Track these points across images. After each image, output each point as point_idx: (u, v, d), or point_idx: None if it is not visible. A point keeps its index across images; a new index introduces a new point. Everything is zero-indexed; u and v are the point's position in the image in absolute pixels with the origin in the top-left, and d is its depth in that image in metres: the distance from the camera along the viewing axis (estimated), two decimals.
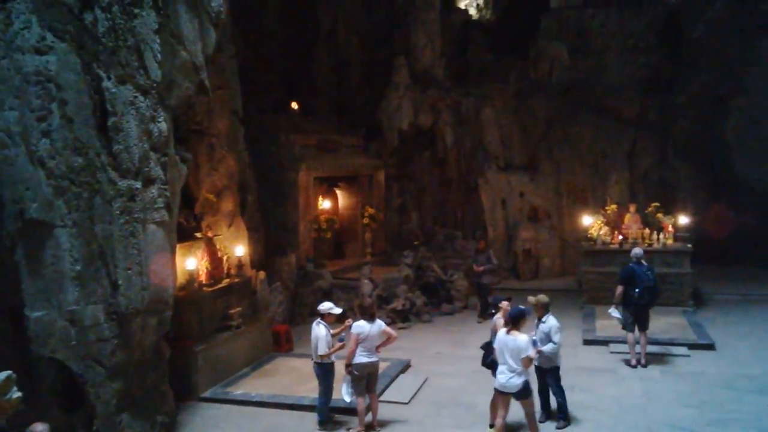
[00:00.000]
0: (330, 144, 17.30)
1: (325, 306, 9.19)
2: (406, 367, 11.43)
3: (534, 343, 8.43)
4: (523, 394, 8.02)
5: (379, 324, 8.99)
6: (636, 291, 11.02)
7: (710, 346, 12.01)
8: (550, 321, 8.95)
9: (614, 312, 11.17)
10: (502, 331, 8.16)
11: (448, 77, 20.34)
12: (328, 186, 17.91)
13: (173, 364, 9.30)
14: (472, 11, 22.84)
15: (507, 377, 7.94)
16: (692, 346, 11.97)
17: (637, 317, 11.18)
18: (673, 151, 19.79)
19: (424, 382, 10.80)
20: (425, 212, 20.01)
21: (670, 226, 15.44)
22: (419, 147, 20.05)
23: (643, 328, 11.24)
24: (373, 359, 8.86)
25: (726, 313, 14.56)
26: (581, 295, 15.59)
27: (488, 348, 8.80)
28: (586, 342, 12.55)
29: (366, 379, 8.84)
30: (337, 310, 9.25)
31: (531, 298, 9.13)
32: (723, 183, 19.31)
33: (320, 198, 17.44)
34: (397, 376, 10.91)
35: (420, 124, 19.49)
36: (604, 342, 12.41)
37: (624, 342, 11.75)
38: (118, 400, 7.93)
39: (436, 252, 17.63)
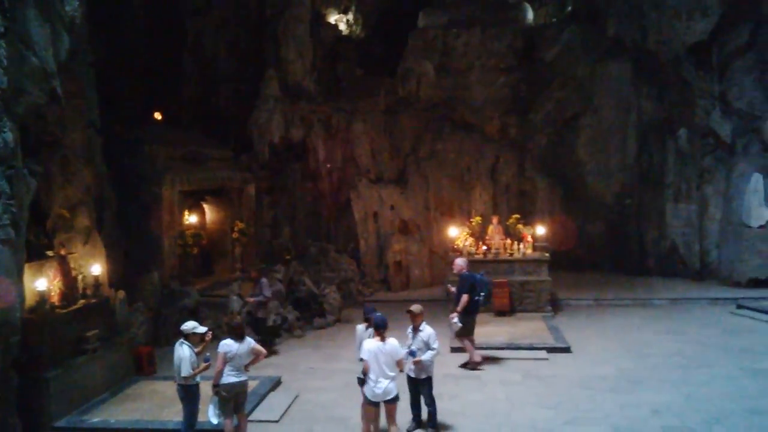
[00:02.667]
0: (197, 156, 16.72)
1: (189, 325, 8.81)
2: (276, 384, 11.22)
3: (412, 353, 8.73)
4: (396, 398, 8.24)
5: (248, 342, 8.76)
6: (481, 296, 11.93)
7: (567, 349, 12.76)
8: (428, 329, 9.15)
9: (455, 319, 11.64)
10: (371, 341, 8.28)
11: (319, 91, 20.39)
12: (194, 200, 17.30)
13: (23, 393, 8.58)
14: (342, 27, 23.07)
15: (384, 385, 8.09)
16: (550, 350, 12.67)
17: (473, 321, 12.08)
18: (531, 165, 21.00)
19: (295, 398, 10.65)
20: (297, 226, 19.87)
21: (530, 236, 16.31)
22: (291, 160, 19.91)
23: (472, 332, 12.07)
24: (242, 378, 8.61)
25: (581, 317, 15.56)
26: (449, 304, 16.05)
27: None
28: (454, 350, 12.92)
29: (234, 400, 8.57)
30: (202, 329, 8.90)
31: (414, 308, 9.16)
32: (576, 195, 20.73)
33: (186, 212, 16.78)
34: (267, 394, 10.68)
35: (291, 137, 19.36)
36: None
37: (490, 348, 12.37)
38: None
39: (309, 266, 17.53)
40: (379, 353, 8.14)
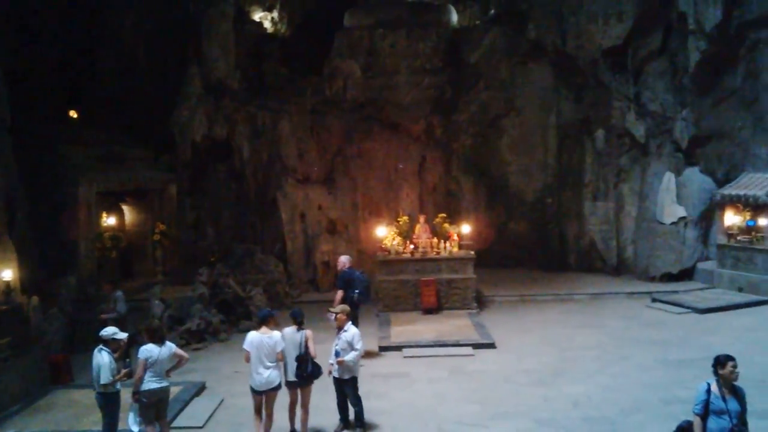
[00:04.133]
0: (115, 156, 16.19)
1: (108, 331, 8.50)
2: (200, 389, 10.96)
3: (336, 353, 8.93)
4: (278, 386, 8.68)
5: (170, 346, 8.51)
6: (356, 292, 12.40)
7: (491, 345, 13.01)
8: (352, 329, 9.15)
9: (332, 316, 11.63)
10: (253, 333, 8.75)
11: (243, 89, 20.06)
12: (113, 201, 16.70)
13: None
14: (267, 25, 22.79)
15: (267, 374, 8.57)
16: (476, 346, 12.89)
17: (354, 316, 11.98)
18: (457, 165, 21.33)
19: (220, 403, 10.43)
20: (222, 227, 19.47)
21: (456, 235, 16.55)
22: (214, 160, 19.50)
23: (356, 325, 12.00)
24: (164, 384, 8.35)
25: (505, 313, 15.90)
26: (377, 304, 16.11)
27: (300, 358, 8.80)
28: (381, 348, 12.98)
29: (156, 407, 8.31)
30: (122, 335, 8.60)
31: (334, 309, 9.59)
32: (500, 194, 21.19)
33: (104, 214, 16.20)
34: (190, 399, 10.42)
35: (215, 136, 18.98)
36: (399, 347, 12.93)
37: (417, 346, 12.51)
38: None
39: (235, 268, 17.19)
40: (261, 344, 8.56)
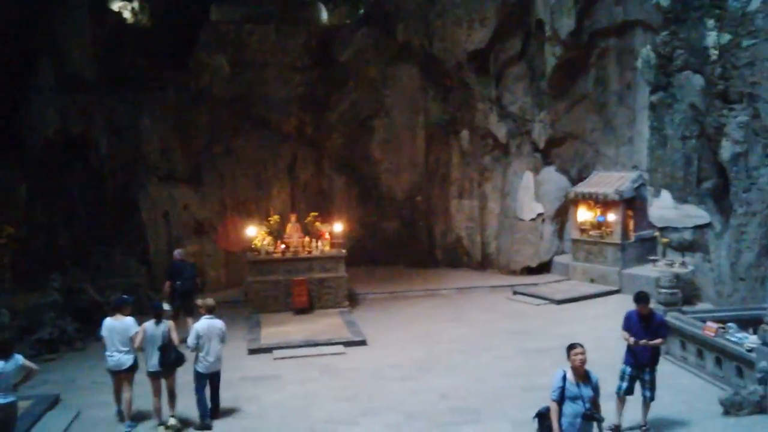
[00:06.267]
0: None
1: None
2: (54, 402, 10.25)
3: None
4: (130, 369, 9.45)
5: (16, 359, 7.87)
6: (179, 283, 13.65)
7: (362, 342, 13.13)
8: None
9: (165, 305, 11.47)
10: (107, 319, 9.52)
11: (101, 82, 18.84)
12: None
13: None
14: (127, 15, 21.57)
15: (118, 357, 9.37)
16: (347, 344, 12.96)
17: (184, 305, 13.40)
18: (329, 163, 21.32)
19: (76, 416, 9.82)
20: (77, 229, 18.16)
21: (327, 233, 16.52)
22: (69, 157, 18.16)
23: (190, 313, 13.07)
24: (9, 400, 7.74)
25: (377, 310, 16.10)
26: (247, 305, 15.76)
27: (163, 348, 9.28)
28: (252, 351, 12.71)
29: (1, 423, 7.64)
30: None
31: (199, 301, 10.18)
32: (371, 193, 21.41)
33: None
34: (42, 414, 9.72)
35: (69, 132, 17.71)
36: (269, 349, 12.72)
37: (288, 347, 12.42)
38: None
39: (92, 273, 16.18)
40: (113, 329, 9.40)
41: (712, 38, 13.97)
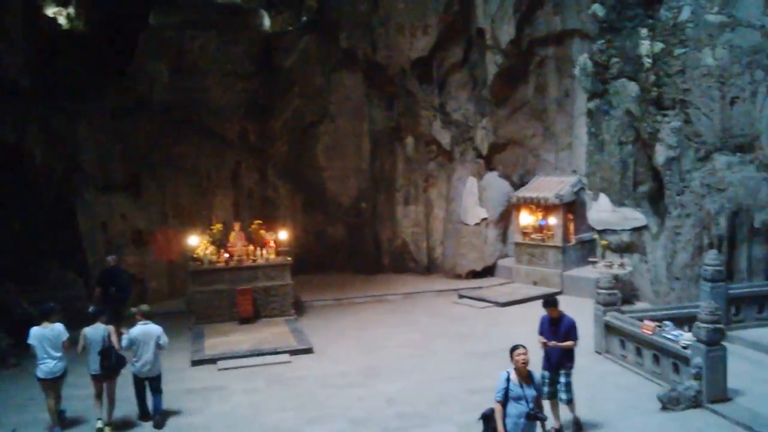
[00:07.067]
0: None
1: None
2: None
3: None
4: (60, 376, 9.50)
5: None
6: (113, 289, 13.65)
7: (309, 350, 13.03)
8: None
9: (91, 309, 11.30)
10: (35, 328, 9.45)
11: (36, 90, 18.19)
12: None
13: None
14: (62, 20, 20.95)
15: (53, 364, 9.36)
16: (293, 352, 12.84)
17: (117, 312, 12.85)
18: (273, 170, 21.13)
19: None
20: (10, 240, 17.46)
21: (272, 241, 16.35)
22: (2, 167, 17.46)
23: (121, 321, 12.40)
24: None
25: (324, 318, 15.99)
26: (190, 316, 15.44)
27: (104, 352, 9.49)
28: (195, 363, 12.45)
29: None
30: None
31: (134, 308, 10.41)
32: (317, 200, 21.32)
33: None
34: None
35: (2, 141, 17.02)
36: (213, 360, 12.49)
37: (233, 357, 12.24)
38: None
39: (27, 285, 15.56)
40: (43, 337, 9.36)
41: (645, 47, 14.49)
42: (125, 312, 13.14)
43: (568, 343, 8.85)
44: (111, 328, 9.74)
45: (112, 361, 9.52)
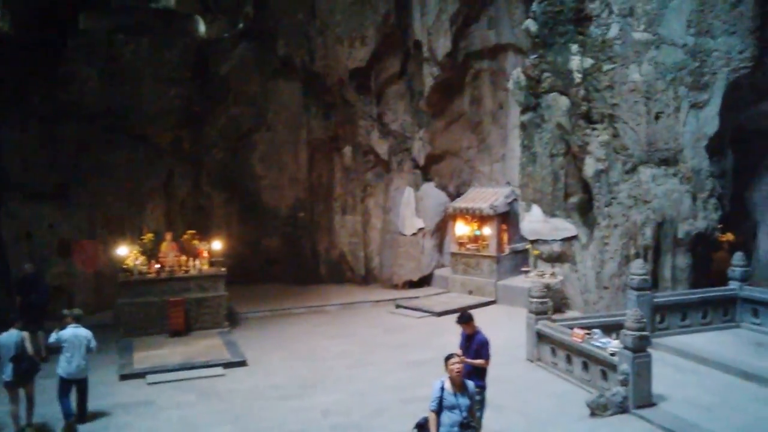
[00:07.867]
0: None
1: None
2: None
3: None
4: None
5: None
6: (34, 296, 13.57)
7: (243, 363, 12.78)
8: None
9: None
10: None
11: None
12: None
13: None
14: None
15: None
16: (227, 365, 12.57)
17: (37, 318, 12.90)
18: (208, 179, 20.72)
19: None
20: None
21: (205, 251, 16.02)
22: None
23: (41, 327, 12.76)
24: None
25: (259, 329, 15.75)
26: (118, 329, 14.93)
27: (15, 358, 9.47)
28: (123, 377, 12.04)
29: None
30: None
31: (65, 311, 10.49)
32: (253, 209, 21.01)
33: None
34: None
35: None
36: (142, 374, 12.10)
37: (163, 371, 11.91)
38: None
39: None
40: None
41: (576, 62, 14.94)
42: (44, 320, 13.02)
43: (479, 361, 8.58)
44: (25, 334, 9.74)
45: (23, 368, 9.49)
